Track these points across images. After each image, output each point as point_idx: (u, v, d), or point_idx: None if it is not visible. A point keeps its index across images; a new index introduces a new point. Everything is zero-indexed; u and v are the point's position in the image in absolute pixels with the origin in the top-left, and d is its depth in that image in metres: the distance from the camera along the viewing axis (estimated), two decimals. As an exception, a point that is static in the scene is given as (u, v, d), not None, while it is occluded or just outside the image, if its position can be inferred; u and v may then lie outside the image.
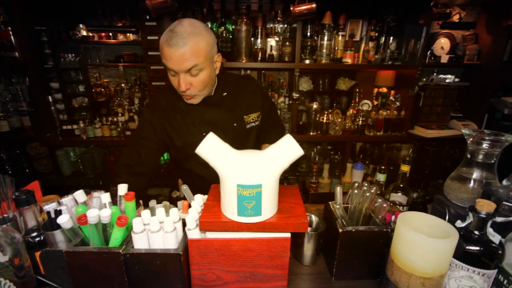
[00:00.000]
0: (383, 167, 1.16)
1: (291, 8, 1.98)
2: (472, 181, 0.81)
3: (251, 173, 0.63)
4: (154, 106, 1.20)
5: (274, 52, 2.24)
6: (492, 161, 0.79)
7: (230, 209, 0.67)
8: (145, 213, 0.70)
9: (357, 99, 2.48)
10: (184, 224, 0.71)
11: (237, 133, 1.20)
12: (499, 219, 0.67)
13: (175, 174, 1.81)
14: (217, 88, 1.16)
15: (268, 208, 0.67)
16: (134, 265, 0.68)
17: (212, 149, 0.67)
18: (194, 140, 1.16)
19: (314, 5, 1.96)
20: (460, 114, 2.60)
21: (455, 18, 2.40)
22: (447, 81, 2.58)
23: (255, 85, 1.31)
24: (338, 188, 0.89)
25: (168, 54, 0.95)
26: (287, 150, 0.66)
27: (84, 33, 2.40)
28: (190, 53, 0.94)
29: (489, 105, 2.46)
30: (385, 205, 0.81)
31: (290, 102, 2.37)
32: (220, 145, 0.68)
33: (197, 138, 1.16)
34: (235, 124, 1.20)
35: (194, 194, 0.85)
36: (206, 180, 1.23)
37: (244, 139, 1.25)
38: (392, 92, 2.56)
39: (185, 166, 1.26)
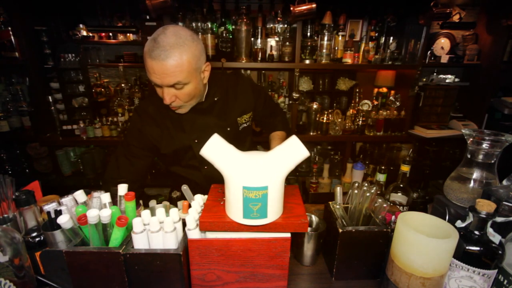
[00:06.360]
0: (383, 167, 1.16)
1: (291, 8, 1.98)
2: (472, 181, 0.81)
3: (257, 175, 0.62)
4: (142, 111, 1.14)
5: (274, 52, 2.23)
6: (492, 161, 0.79)
7: (235, 211, 0.66)
8: (145, 213, 0.70)
9: (357, 99, 2.48)
10: (184, 224, 0.71)
11: (231, 137, 1.15)
12: (499, 219, 0.67)
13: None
14: (207, 93, 1.11)
15: (274, 211, 0.67)
16: (134, 265, 0.68)
17: (216, 150, 0.66)
18: (183, 146, 1.14)
19: (314, 5, 1.96)
20: (460, 114, 2.60)
21: (455, 18, 2.40)
22: (447, 81, 2.58)
23: (246, 83, 1.24)
24: (338, 188, 0.90)
25: (150, 66, 0.88)
26: (292, 151, 0.65)
27: (84, 33, 2.40)
28: (172, 68, 0.87)
29: (489, 105, 2.46)
30: (385, 205, 0.81)
31: (290, 102, 2.37)
32: (225, 147, 0.67)
33: (187, 144, 1.14)
34: (228, 129, 1.17)
35: (182, 196, 0.84)
36: (192, 181, 1.23)
37: (239, 141, 1.22)
38: (392, 92, 2.56)
39: (170, 169, 1.26)
